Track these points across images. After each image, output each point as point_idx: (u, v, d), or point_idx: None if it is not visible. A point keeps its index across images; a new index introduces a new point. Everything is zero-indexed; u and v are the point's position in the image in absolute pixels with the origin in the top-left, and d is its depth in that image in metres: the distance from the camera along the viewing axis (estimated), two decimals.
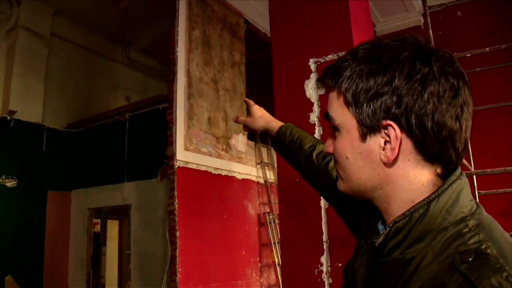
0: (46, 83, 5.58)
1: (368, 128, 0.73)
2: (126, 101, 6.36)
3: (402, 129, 0.70)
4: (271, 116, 1.39)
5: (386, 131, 0.72)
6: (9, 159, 5.03)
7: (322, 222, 2.31)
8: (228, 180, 4.83)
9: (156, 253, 4.27)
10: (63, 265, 5.35)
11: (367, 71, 0.73)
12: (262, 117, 1.38)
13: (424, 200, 0.71)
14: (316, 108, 2.42)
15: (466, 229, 0.67)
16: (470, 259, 0.63)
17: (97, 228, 5.55)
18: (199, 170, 4.17)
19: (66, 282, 5.35)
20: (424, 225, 0.70)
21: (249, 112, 1.43)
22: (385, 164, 0.74)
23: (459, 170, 0.75)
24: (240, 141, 5.10)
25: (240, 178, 5.07)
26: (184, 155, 4.01)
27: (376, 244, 0.76)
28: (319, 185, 1.27)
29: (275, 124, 1.37)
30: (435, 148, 0.71)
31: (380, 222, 0.84)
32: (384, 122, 0.71)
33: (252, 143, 5.28)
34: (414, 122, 0.69)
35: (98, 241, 5.41)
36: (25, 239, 4.91)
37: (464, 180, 0.74)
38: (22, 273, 4.89)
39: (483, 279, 0.59)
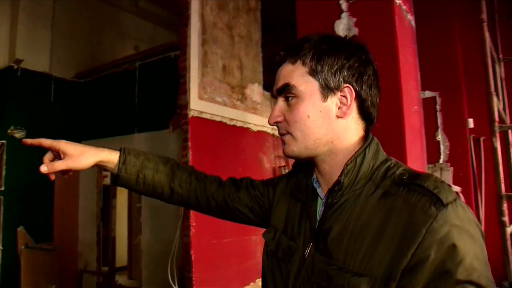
0: (52, 31, 5.39)
1: (330, 90, 0.93)
2: (134, 51, 6.12)
3: (355, 92, 0.94)
4: (92, 146, 1.16)
5: (342, 93, 0.94)
6: (17, 109, 4.92)
7: None
8: (242, 132, 4.65)
9: (167, 206, 4.11)
10: (72, 218, 5.33)
11: (328, 50, 0.95)
12: (85, 152, 1.14)
13: (361, 148, 0.94)
14: None
15: (392, 165, 0.93)
16: (405, 176, 0.88)
17: (106, 181, 5.44)
18: (213, 121, 3.99)
19: (76, 234, 5.33)
20: (364, 166, 0.92)
21: (59, 155, 1.13)
22: (339, 118, 0.94)
23: (371, 134, 1.00)
24: (255, 91, 4.88)
25: (255, 130, 4.88)
26: (198, 105, 3.81)
27: (341, 180, 0.92)
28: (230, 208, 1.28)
29: (109, 153, 1.18)
30: (370, 109, 0.96)
31: (313, 181, 1.03)
32: (344, 85, 0.93)
33: (267, 94, 5.08)
34: (363, 88, 0.94)
35: (107, 194, 5.31)
36: (35, 191, 4.84)
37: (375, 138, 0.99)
38: (32, 225, 4.87)
39: (425, 181, 0.83)
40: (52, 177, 1.13)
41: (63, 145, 1.12)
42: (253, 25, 4.74)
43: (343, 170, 0.92)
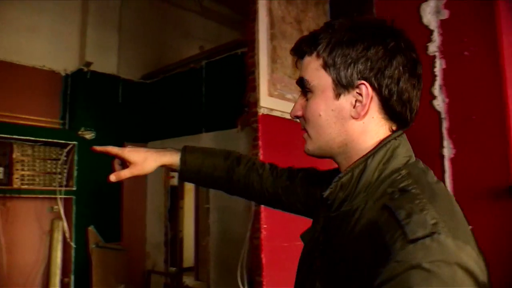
0: (120, 34, 5.48)
1: (343, 87, 0.84)
2: (200, 51, 6.11)
3: (373, 89, 0.83)
4: (154, 150, 1.28)
5: (358, 90, 0.84)
6: (86, 111, 5.01)
7: (446, 175, 1.98)
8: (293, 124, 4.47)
9: (236, 207, 4.05)
10: (140, 218, 5.37)
11: (345, 39, 0.84)
12: (147, 158, 1.23)
13: (362, 157, 0.84)
14: (436, 36, 2.01)
15: (399, 177, 0.80)
16: (396, 196, 0.76)
17: (174, 181, 5.44)
18: (284, 119, 3.83)
19: (144, 234, 5.37)
20: (365, 179, 0.83)
21: (124, 163, 1.25)
22: (354, 119, 0.85)
23: (399, 132, 0.88)
24: None
25: None
26: (268, 102, 3.67)
27: (324, 196, 0.88)
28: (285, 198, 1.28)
29: (170, 155, 1.28)
30: (398, 107, 0.84)
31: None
32: (358, 82, 0.83)
33: None
34: (383, 84, 0.82)
35: (175, 195, 5.30)
36: (104, 191, 4.91)
37: (401, 140, 0.87)
38: (102, 224, 4.95)
39: (399, 208, 0.72)
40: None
41: (127, 153, 1.22)
42: (322, 18, 4.55)
43: (335, 183, 0.86)
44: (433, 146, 2.03)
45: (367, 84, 0.83)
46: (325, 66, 0.87)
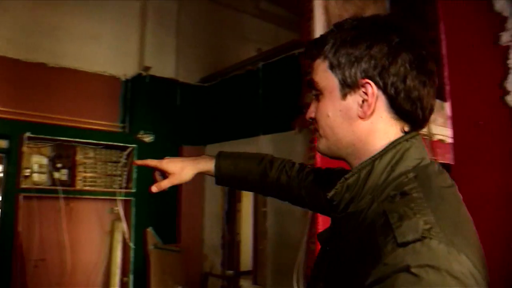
0: (177, 38, 5.54)
1: (349, 87, 0.85)
2: (257, 53, 6.08)
3: (379, 88, 0.83)
4: (190, 158, 1.37)
5: (363, 89, 0.83)
6: (145, 115, 5.11)
7: None
8: None
9: (293, 211, 3.95)
10: (198, 220, 5.39)
11: (349, 39, 0.85)
12: (184, 167, 1.33)
13: (369, 158, 0.84)
14: (511, 24, 1.85)
15: (405, 180, 0.79)
16: (396, 199, 0.75)
17: None
18: None
19: (201, 237, 5.39)
20: (371, 181, 0.82)
21: (164, 174, 1.36)
22: (361, 119, 0.85)
23: (413, 133, 0.86)
24: None
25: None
26: None
27: (328, 197, 0.88)
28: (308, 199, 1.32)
29: (205, 163, 1.37)
30: (407, 105, 0.83)
31: None
32: (363, 81, 0.83)
33: None
34: (388, 82, 0.81)
35: (232, 197, 5.28)
36: (162, 193, 4.85)
37: (414, 141, 0.85)
38: (160, 226, 5.02)
39: (393, 211, 0.71)
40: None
41: (165, 164, 1.33)
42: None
43: (341, 185, 0.86)
44: (504, 146, 1.87)
45: (372, 83, 0.83)
46: (331, 67, 0.87)
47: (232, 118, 5.21)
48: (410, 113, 0.85)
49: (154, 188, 1.36)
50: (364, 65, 0.83)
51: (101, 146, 4.84)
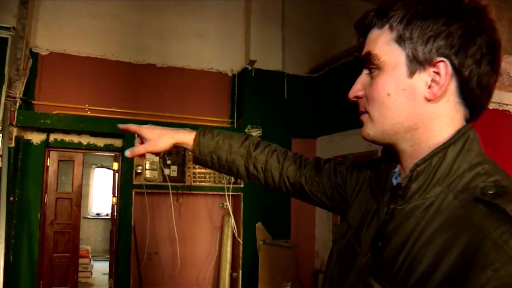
0: (283, 29, 5.40)
1: (419, 64, 0.75)
2: None
3: (453, 68, 0.73)
4: (172, 128, 1.28)
5: (435, 69, 0.74)
6: (252, 108, 5.05)
7: None
8: (497, 116, 3.72)
9: None
10: (310, 216, 5.19)
11: (425, 12, 0.75)
12: (162, 135, 1.23)
13: (443, 144, 0.74)
14: None
15: (483, 171, 0.71)
16: (491, 191, 0.66)
17: None
18: None
19: (313, 232, 5.19)
20: (443, 169, 0.73)
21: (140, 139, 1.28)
22: (428, 101, 0.75)
23: (468, 125, 0.78)
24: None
25: None
26: None
27: (403, 185, 0.77)
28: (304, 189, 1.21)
29: (184, 134, 1.26)
30: (477, 91, 0.75)
31: (393, 176, 0.86)
32: (437, 59, 0.73)
33: None
34: (465, 63, 0.73)
35: None
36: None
37: (475, 131, 0.77)
38: (270, 221, 4.90)
39: (509, 204, 0.61)
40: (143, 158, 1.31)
41: (143, 130, 1.24)
42: None
43: (411, 172, 0.76)
44: None
45: (447, 62, 0.74)
46: (400, 40, 0.77)
47: (342, 109, 4.88)
48: (477, 100, 0.77)
49: (127, 153, 1.27)
50: (440, 42, 0.73)
51: None
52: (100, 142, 4.83)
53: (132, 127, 1.29)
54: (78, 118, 4.50)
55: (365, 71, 0.84)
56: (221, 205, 4.92)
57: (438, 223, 0.70)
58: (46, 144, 4.62)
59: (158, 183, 4.67)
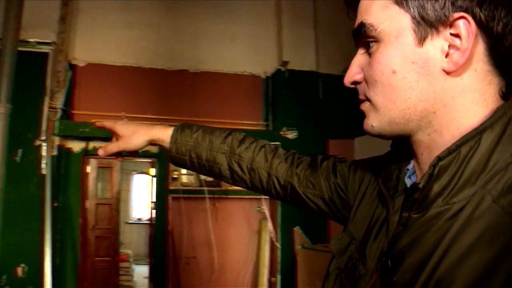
0: (316, 29, 5.33)
1: (430, 26, 0.57)
2: None
3: (478, 25, 0.55)
4: (148, 124, 1.20)
5: (453, 29, 0.55)
6: (287, 110, 5.01)
7: None
8: None
9: None
10: None
11: None
12: (136, 131, 1.11)
13: (474, 130, 0.56)
14: None
15: None
16: None
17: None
18: None
19: None
20: (476, 163, 0.54)
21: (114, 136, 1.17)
22: (447, 73, 0.57)
23: (509, 102, 0.58)
24: None
25: None
26: None
27: (420, 186, 0.58)
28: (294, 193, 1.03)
29: (160, 130, 1.13)
30: None
31: (407, 174, 0.69)
32: (455, 15, 0.55)
33: None
34: (496, 15, 0.53)
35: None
36: None
37: None
38: (308, 225, 4.83)
39: None
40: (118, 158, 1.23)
41: (117, 126, 1.14)
42: None
43: (432, 168, 0.57)
44: None
45: (469, 18, 0.55)
46: (400, 0, 0.60)
47: None
48: None
49: (100, 151, 1.16)
50: None
51: None
52: None
53: (107, 123, 1.18)
54: None
55: (361, 50, 0.69)
56: (257, 209, 4.90)
57: (473, 237, 0.52)
58: (85, 152, 4.76)
59: (195, 188, 4.72)
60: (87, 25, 4.79)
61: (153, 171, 5.01)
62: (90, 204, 4.91)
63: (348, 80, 0.71)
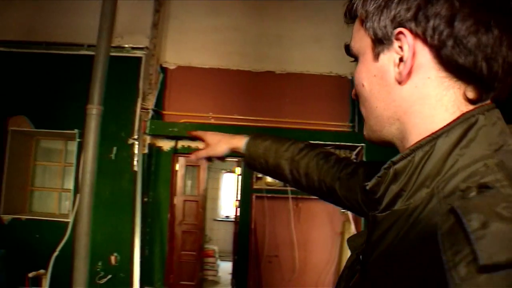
0: None
1: (380, 43, 0.64)
2: None
3: (416, 36, 0.60)
4: (231, 134, 1.33)
5: (399, 43, 0.62)
6: None
7: None
8: None
9: None
10: None
11: None
12: (220, 140, 1.30)
13: (429, 136, 0.60)
14: None
15: (483, 168, 0.54)
16: (471, 194, 0.50)
17: None
18: None
19: None
20: (431, 167, 0.58)
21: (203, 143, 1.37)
22: (399, 83, 0.63)
23: (489, 105, 0.60)
24: None
25: None
26: None
27: (368, 187, 0.67)
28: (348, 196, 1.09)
29: (239, 140, 1.30)
30: (460, 58, 0.57)
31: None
32: (396, 31, 0.62)
33: None
34: (429, 26, 0.58)
35: None
36: None
37: (492, 115, 0.59)
38: None
39: (470, 212, 0.45)
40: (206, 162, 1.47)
41: (206, 135, 1.34)
42: None
43: (383, 171, 0.63)
44: None
45: (406, 32, 0.61)
46: (362, 22, 0.68)
47: None
48: (468, 69, 0.58)
49: (193, 156, 1.37)
50: (394, 10, 0.61)
51: (330, 147, 4.84)
52: None
53: (199, 133, 1.38)
54: (202, 126, 4.79)
55: None
56: (342, 211, 4.85)
57: (415, 233, 0.55)
58: (174, 151, 5.01)
59: (279, 188, 4.78)
60: (177, 30, 5.04)
61: (239, 170, 5.14)
62: (178, 200, 5.14)
63: (352, 95, 0.77)
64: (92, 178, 2.55)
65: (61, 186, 5.28)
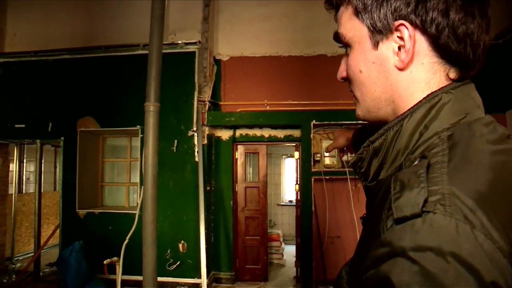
0: None
1: (380, 33, 0.70)
2: None
3: (416, 28, 0.67)
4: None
5: (398, 33, 0.68)
6: None
7: None
8: None
9: None
10: None
11: None
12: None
13: (398, 117, 0.70)
14: None
15: (437, 140, 0.64)
16: (414, 163, 0.62)
17: None
18: None
19: None
20: (401, 143, 0.68)
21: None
22: (399, 69, 0.70)
23: (459, 83, 0.68)
24: None
25: None
26: None
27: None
28: None
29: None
30: (453, 45, 0.66)
31: None
32: (396, 23, 0.68)
33: None
34: (428, 18, 0.65)
35: None
36: None
37: (457, 92, 0.67)
38: None
39: (397, 179, 0.59)
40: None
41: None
42: None
43: (362, 149, 0.74)
44: None
45: (407, 24, 0.67)
46: (356, 13, 0.73)
47: None
48: (458, 54, 0.67)
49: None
50: (395, 3, 0.67)
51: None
52: (280, 134, 5.19)
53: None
54: (258, 114, 4.91)
55: (345, 52, 0.80)
56: None
57: (382, 200, 0.65)
58: (233, 140, 5.16)
59: (336, 170, 4.80)
60: (228, 22, 5.16)
61: (296, 154, 5.21)
62: (239, 187, 5.29)
63: (338, 76, 0.81)
64: (154, 171, 2.71)
65: (129, 180, 5.60)
